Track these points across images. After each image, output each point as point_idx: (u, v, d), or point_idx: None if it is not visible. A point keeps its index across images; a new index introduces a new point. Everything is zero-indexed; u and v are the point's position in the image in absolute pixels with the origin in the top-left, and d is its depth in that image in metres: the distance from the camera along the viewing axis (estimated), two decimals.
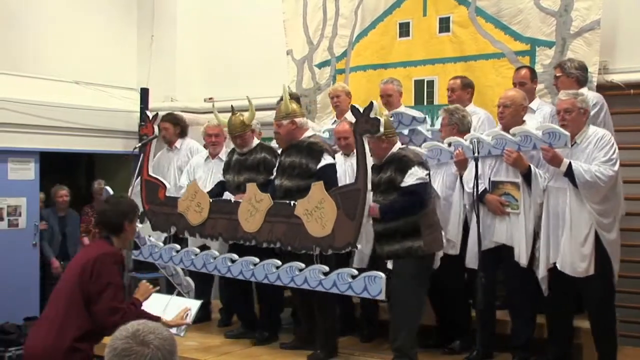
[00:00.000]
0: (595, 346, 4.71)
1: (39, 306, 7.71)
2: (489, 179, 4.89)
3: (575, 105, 4.58)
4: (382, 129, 4.57)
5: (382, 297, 4.61)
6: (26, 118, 7.61)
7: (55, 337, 3.53)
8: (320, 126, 6.61)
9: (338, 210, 4.73)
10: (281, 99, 5.33)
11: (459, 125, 5.17)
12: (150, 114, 6.37)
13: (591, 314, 4.73)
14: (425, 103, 6.55)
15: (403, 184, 4.70)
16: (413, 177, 4.68)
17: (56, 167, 8.48)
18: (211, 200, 5.55)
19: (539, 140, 4.67)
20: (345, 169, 5.57)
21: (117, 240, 3.85)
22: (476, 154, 4.77)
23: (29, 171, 7.83)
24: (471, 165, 5.00)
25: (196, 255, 5.53)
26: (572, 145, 4.62)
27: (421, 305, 4.87)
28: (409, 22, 6.71)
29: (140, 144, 7.33)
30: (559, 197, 4.63)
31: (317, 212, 4.82)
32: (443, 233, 5.00)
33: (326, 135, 6.05)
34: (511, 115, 4.90)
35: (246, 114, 5.61)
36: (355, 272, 4.67)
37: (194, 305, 4.55)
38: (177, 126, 6.97)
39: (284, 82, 7.18)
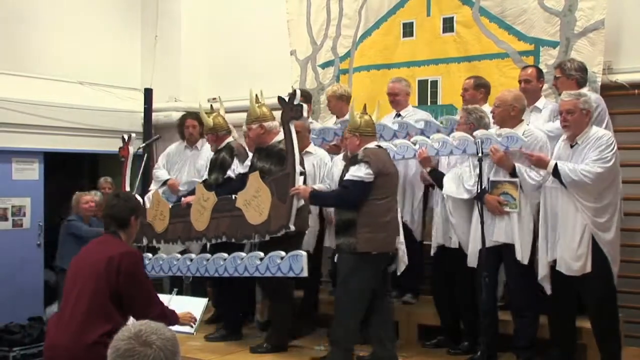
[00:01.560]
0: (597, 347, 4.69)
1: (43, 306, 7.73)
2: (488, 178, 4.89)
3: (577, 106, 4.57)
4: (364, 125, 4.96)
5: (305, 274, 4.93)
6: (30, 118, 7.62)
7: (78, 334, 3.49)
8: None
9: (272, 197, 5.09)
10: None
11: (475, 125, 5.15)
12: (125, 136, 6.60)
13: (591, 314, 4.71)
14: (429, 103, 6.53)
15: (345, 178, 4.95)
16: (351, 173, 4.89)
17: (60, 167, 8.48)
18: (170, 207, 5.90)
19: (496, 143, 4.83)
20: (341, 169, 5.60)
21: (124, 234, 3.86)
22: (480, 154, 4.76)
23: (33, 171, 7.84)
24: (469, 162, 5.06)
25: (163, 260, 5.84)
26: (573, 146, 4.62)
27: (357, 301, 4.91)
28: (412, 22, 6.70)
29: (144, 144, 7.36)
30: (556, 196, 4.62)
31: (254, 201, 5.19)
32: (401, 235, 5.13)
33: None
34: (499, 115, 4.95)
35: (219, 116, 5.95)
36: (283, 253, 4.99)
37: (200, 303, 4.55)
38: (201, 126, 7.03)
39: (291, 84, 7.24)
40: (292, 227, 5.03)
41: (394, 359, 5.00)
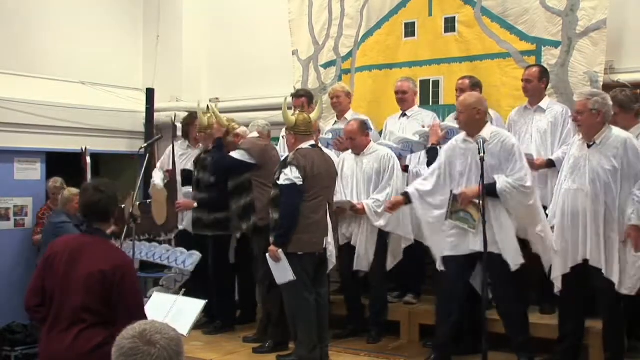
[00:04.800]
0: (603, 346, 4.68)
1: None
2: (451, 190, 4.87)
3: (586, 107, 4.53)
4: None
5: (192, 268, 5.96)
6: (32, 118, 7.62)
7: (75, 344, 3.42)
8: (325, 126, 6.61)
9: (168, 201, 6.35)
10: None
11: None
12: (83, 148, 6.80)
13: (604, 313, 4.68)
14: (431, 103, 6.53)
15: (279, 182, 4.98)
16: (283, 177, 4.92)
17: (62, 167, 8.48)
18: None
19: (415, 144, 5.60)
20: (352, 166, 5.70)
21: (106, 226, 3.77)
22: (482, 154, 4.73)
23: (35, 171, 7.85)
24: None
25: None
26: (590, 146, 4.57)
27: (298, 299, 4.95)
28: (414, 22, 6.70)
29: (145, 144, 7.35)
30: (578, 198, 4.57)
31: (158, 205, 6.40)
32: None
33: (329, 136, 6.08)
34: (464, 120, 4.89)
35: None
36: (185, 250, 6.07)
37: (198, 305, 4.56)
38: None
39: (293, 84, 7.24)
40: (180, 227, 6.28)
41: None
